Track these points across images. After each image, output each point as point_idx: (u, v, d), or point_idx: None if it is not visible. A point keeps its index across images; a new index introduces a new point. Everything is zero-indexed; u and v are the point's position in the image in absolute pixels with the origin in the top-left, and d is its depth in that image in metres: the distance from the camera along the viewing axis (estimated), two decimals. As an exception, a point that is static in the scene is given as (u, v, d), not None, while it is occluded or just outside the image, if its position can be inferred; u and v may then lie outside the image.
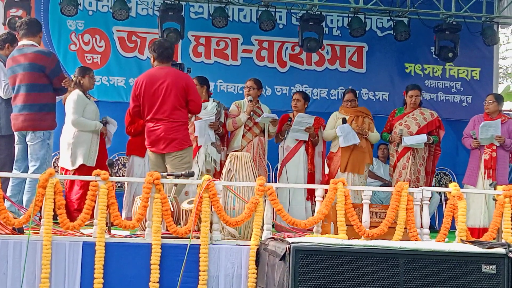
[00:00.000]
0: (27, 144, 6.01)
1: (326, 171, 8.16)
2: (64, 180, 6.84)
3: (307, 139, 7.88)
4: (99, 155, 6.99)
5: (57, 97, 6.42)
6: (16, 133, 6.10)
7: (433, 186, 8.08)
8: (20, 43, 6.19)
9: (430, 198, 5.96)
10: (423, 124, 7.92)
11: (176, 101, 6.29)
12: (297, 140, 7.89)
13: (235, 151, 6.96)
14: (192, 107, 6.46)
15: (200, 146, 7.48)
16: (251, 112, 7.72)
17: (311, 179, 7.89)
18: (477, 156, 7.67)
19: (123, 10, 8.82)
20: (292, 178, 7.76)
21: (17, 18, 8.51)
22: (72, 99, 6.81)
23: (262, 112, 7.87)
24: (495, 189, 6.06)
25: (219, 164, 7.45)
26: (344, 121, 7.78)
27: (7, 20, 8.56)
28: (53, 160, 7.38)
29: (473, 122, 7.86)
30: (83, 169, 6.82)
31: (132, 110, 6.43)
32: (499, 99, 7.95)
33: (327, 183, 5.75)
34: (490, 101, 7.80)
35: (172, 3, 8.84)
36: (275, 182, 8.03)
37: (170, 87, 6.26)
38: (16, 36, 6.33)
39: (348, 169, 7.77)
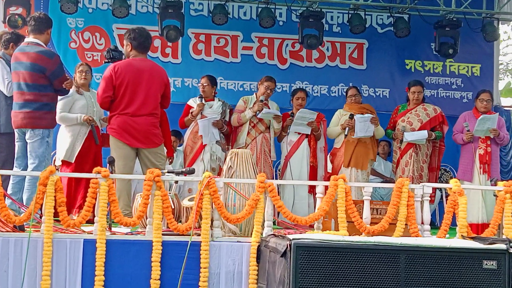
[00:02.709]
0: (27, 142, 6.00)
1: (329, 168, 8.17)
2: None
3: (309, 133, 7.88)
4: (89, 150, 7.07)
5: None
6: (16, 131, 6.11)
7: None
8: (26, 40, 6.18)
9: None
10: (426, 120, 7.92)
11: (158, 96, 6.28)
12: (299, 134, 7.88)
13: (240, 148, 6.97)
14: (165, 103, 6.46)
15: (205, 144, 7.49)
16: (257, 111, 7.70)
17: (313, 173, 7.90)
18: (471, 151, 7.66)
19: (123, 7, 8.82)
20: (296, 172, 7.78)
21: (16, 16, 8.54)
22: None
23: (269, 108, 7.85)
24: (495, 185, 6.05)
25: (223, 162, 7.45)
26: (351, 116, 7.77)
27: (7, 18, 8.57)
28: (53, 158, 7.40)
29: (463, 118, 7.87)
30: (64, 165, 7.01)
31: (104, 99, 6.22)
32: (492, 96, 7.97)
33: (330, 179, 5.74)
34: (488, 99, 7.80)
35: (172, 0, 8.82)
36: (281, 178, 8.01)
37: (154, 82, 6.23)
38: (24, 32, 6.30)
39: (352, 165, 7.80)
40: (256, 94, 7.99)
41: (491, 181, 7.38)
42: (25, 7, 8.66)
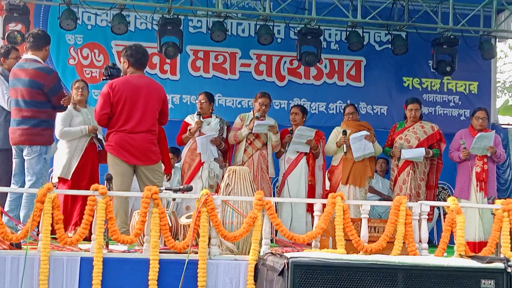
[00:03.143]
0: (24, 159, 5.99)
1: (327, 186, 8.16)
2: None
3: (308, 151, 7.89)
4: (86, 166, 7.08)
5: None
6: (13, 147, 6.09)
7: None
8: (24, 56, 6.19)
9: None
10: (423, 137, 7.93)
11: (156, 112, 6.29)
12: (297, 152, 7.89)
13: (237, 166, 6.97)
14: (163, 119, 6.46)
15: (203, 162, 7.49)
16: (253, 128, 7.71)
17: (311, 191, 7.89)
18: (467, 169, 7.68)
19: (122, 24, 8.85)
20: (293, 191, 7.78)
21: (16, 33, 8.57)
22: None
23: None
24: (493, 203, 6.04)
25: (221, 180, 7.44)
26: (345, 133, 7.79)
27: (6, 35, 8.60)
28: (50, 175, 7.40)
29: (459, 136, 7.89)
30: (60, 182, 7.07)
31: (101, 116, 6.24)
32: (488, 114, 8.00)
33: (327, 197, 5.74)
34: (483, 117, 7.83)
35: (171, 17, 8.87)
36: (278, 195, 8.00)
37: (152, 99, 6.24)
38: (24, 48, 6.30)
39: (350, 182, 7.80)
40: (253, 111, 8.00)
41: (488, 199, 7.39)
42: (24, 24, 8.69)
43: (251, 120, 7.78)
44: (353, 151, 7.75)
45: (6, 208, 5.77)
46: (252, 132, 7.72)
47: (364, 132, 7.79)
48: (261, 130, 7.73)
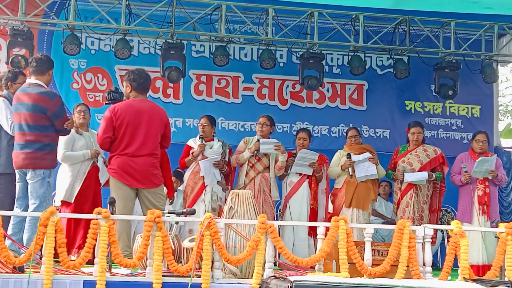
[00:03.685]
0: (28, 182, 6.00)
1: (330, 209, 8.14)
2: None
3: (310, 174, 7.88)
4: (89, 190, 7.09)
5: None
6: (17, 171, 6.10)
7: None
8: (27, 81, 6.22)
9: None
10: (426, 161, 7.93)
11: (158, 136, 6.31)
12: (300, 174, 7.89)
13: (239, 189, 6.97)
14: (165, 143, 6.48)
15: (207, 185, 7.49)
16: (256, 151, 7.72)
17: (313, 215, 7.87)
18: (469, 192, 7.67)
19: (125, 49, 8.90)
20: (295, 214, 7.77)
21: (20, 57, 8.62)
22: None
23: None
24: (497, 227, 6.03)
25: (224, 202, 7.44)
26: (349, 156, 7.80)
27: (10, 59, 8.65)
28: (53, 199, 7.40)
29: (460, 160, 7.91)
30: (63, 205, 7.06)
31: (104, 140, 6.27)
32: (488, 137, 8.00)
33: (331, 220, 5.73)
34: (483, 140, 7.84)
35: (174, 42, 8.93)
36: (281, 218, 7.98)
37: (154, 123, 6.26)
38: (25, 73, 6.33)
39: (353, 205, 7.79)
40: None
41: (492, 222, 7.37)
42: (28, 48, 8.74)
43: (255, 142, 7.79)
44: (357, 173, 7.77)
45: (9, 232, 5.78)
46: (259, 151, 7.72)
47: (367, 154, 7.81)
48: (267, 149, 7.72)
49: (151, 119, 6.25)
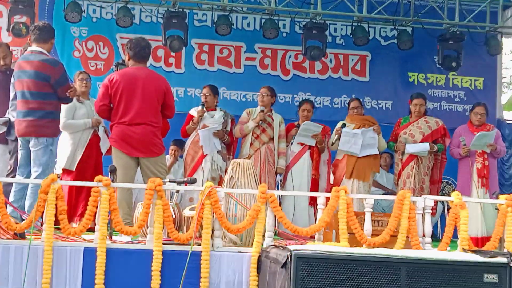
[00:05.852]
0: (30, 150, 6.01)
1: (332, 180, 8.15)
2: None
3: (313, 145, 7.89)
4: (90, 158, 7.11)
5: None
6: (19, 139, 6.11)
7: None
8: (29, 49, 6.19)
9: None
10: (428, 132, 7.92)
11: (157, 104, 6.27)
12: (301, 145, 7.89)
13: (243, 158, 6.98)
14: (168, 112, 6.42)
15: (205, 154, 7.49)
16: (260, 121, 7.72)
17: (314, 185, 7.89)
18: (468, 165, 7.67)
19: (127, 17, 8.84)
20: (296, 183, 7.79)
21: (21, 25, 8.58)
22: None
23: (273, 120, 7.86)
24: (497, 199, 6.04)
25: (224, 172, 7.43)
26: (343, 126, 7.80)
27: (11, 27, 8.61)
28: (54, 167, 7.42)
29: (458, 133, 7.88)
30: (65, 173, 7.07)
31: (100, 107, 6.29)
32: (487, 110, 7.96)
33: (331, 191, 5.74)
34: (482, 113, 7.81)
35: (176, 10, 8.86)
36: (282, 188, 8.00)
37: (150, 90, 6.21)
38: (28, 40, 6.31)
39: (354, 176, 7.79)
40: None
41: (492, 194, 7.38)
42: (29, 16, 8.68)
43: (259, 113, 7.78)
44: (340, 144, 7.75)
45: (10, 199, 5.80)
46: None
47: (358, 131, 7.75)
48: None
49: (147, 86, 6.20)
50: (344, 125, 7.85)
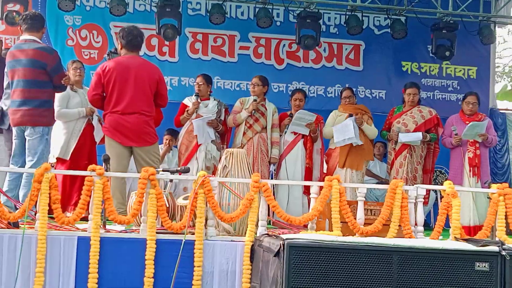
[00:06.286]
0: (25, 139, 6.00)
1: (325, 169, 8.17)
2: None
3: (307, 134, 7.89)
4: (84, 147, 7.11)
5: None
6: (14, 128, 6.09)
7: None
8: (21, 38, 6.16)
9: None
10: (421, 122, 7.93)
11: (149, 94, 6.26)
12: (295, 134, 7.90)
13: (236, 148, 6.99)
14: (161, 101, 6.41)
15: (200, 144, 7.50)
16: (253, 111, 7.73)
17: (308, 174, 7.90)
18: (460, 154, 7.68)
19: (120, 5, 8.83)
20: (290, 172, 7.80)
21: (14, 13, 8.54)
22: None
23: (266, 109, 7.86)
24: (489, 187, 6.08)
25: (218, 161, 7.45)
26: (351, 116, 7.79)
27: (4, 15, 8.58)
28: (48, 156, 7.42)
29: (450, 123, 7.89)
30: (59, 162, 7.07)
31: (93, 97, 6.28)
32: (479, 99, 7.98)
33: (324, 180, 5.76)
34: (474, 102, 7.83)
35: (170, -1, 8.84)
36: (275, 177, 8.02)
37: (143, 79, 6.20)
38: (19, 29, 6.30)
39: (347, 165, 7.81)
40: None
41: (484, 183, 7.41)
42: (22, 4, 8.64)
43: (252, 102, 7.78)
44: (335, 136, 7.76)
45: (4, 188, 5.80)
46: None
47: (350, 121, 7.75)
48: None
49: (140, 75, 6.19)
50: (351, 115, 7.78)
